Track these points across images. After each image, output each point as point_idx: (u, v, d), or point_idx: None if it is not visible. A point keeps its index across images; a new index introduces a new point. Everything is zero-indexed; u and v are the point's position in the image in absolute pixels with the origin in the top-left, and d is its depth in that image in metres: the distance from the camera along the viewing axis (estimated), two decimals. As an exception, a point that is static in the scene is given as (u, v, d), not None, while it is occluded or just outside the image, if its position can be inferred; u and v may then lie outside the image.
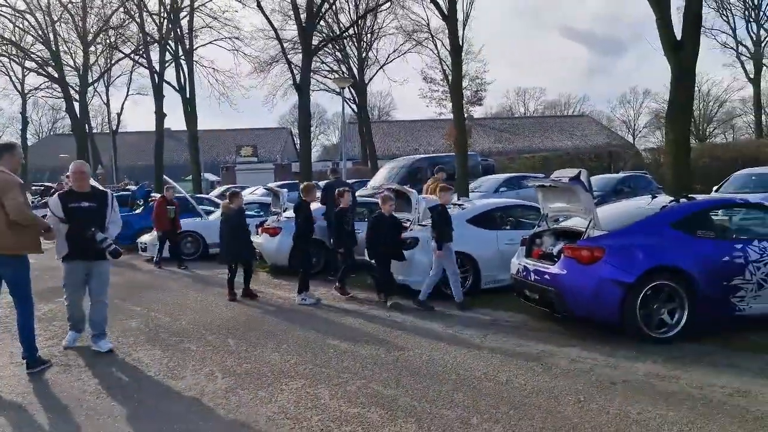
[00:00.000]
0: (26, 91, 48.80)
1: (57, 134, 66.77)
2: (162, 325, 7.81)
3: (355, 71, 41.73)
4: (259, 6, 23.62)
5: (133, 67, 39.42)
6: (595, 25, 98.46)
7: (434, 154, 28.61)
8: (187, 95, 29.20)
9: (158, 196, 14.64)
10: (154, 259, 13.39)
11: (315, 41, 25.72)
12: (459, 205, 9.73)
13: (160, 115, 31.44)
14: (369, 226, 8.93)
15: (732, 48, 51.99)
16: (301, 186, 9.75)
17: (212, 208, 15.86)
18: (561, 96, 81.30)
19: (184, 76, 29.40)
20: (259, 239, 11.76)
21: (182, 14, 29.79)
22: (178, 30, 29.06)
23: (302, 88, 23.75)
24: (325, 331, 7.23)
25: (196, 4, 29.48)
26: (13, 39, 34.59)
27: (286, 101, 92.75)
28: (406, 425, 4.35)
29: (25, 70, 44.74)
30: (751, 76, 51.19)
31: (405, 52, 42.30)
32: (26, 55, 35.59)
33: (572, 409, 4.57)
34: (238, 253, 9.57)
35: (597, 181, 19.95)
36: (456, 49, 15.22)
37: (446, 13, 15.29)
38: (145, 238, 14.36)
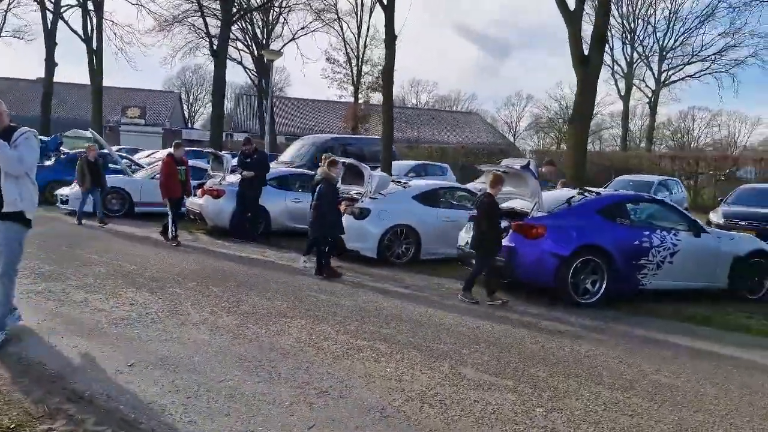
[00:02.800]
0: None
1: None
2: (132, 272, 8.12)
3: (254, 46, 41.42)
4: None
5: (9, 5, 36.15)
6: (489, 27, 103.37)
7: (346, 136, 29.34)
8: (94, 46, 27.67)
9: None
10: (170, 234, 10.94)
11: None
12: (403, 183, 10.75)
13: (50, 64, 29.52)
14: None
15: (608, 66, 57.02)
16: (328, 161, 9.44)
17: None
18: (452, 92, 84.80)
19: (92, 25, 27.81)
20: (200, 201, 12.06)
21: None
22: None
23: (219, 56, 23.59)
24: (300, 283, 7.96)
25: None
26: None
27: (182, 62, 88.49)
28: (410, 354, 5.30)
29: None
30: (622, 93, 56.66)
31: (313, 31, 42.51)
32: None
33: (536, 347, 5.76)
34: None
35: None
36: (391, 38, 16.14)
37: (385, 3, 16.17)
38: (65, 191, 14.00)
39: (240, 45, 43.97)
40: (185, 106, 74.11)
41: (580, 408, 4.31)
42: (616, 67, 56.23)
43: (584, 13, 17.04)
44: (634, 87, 57.06)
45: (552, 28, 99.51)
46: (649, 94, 56.09)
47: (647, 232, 7.95)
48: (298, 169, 14.29)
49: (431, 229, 10.15)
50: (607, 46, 56.46)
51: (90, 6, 27.71)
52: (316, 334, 5.76)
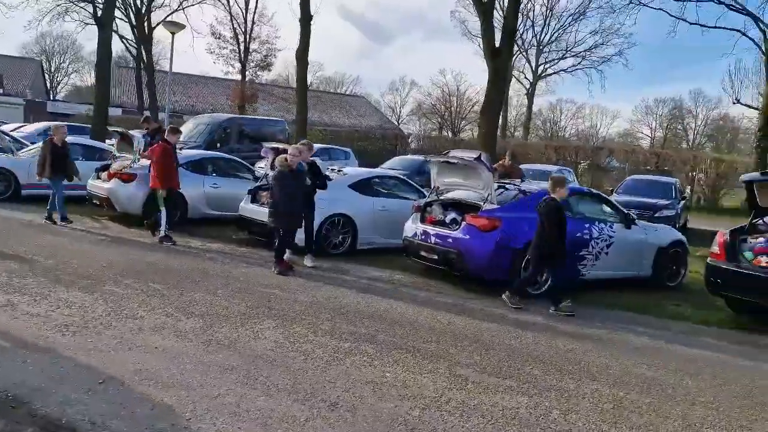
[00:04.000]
0: None
1: None
2: (52, 267, 7.19)
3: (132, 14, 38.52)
4: None
5: None
6: (369, 10, 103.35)
7: (244, 116, 28.06)
8: None
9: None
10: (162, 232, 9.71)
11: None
12: (339, 171, 10.41)
13: None
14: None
15: (490, 56, 59.22)
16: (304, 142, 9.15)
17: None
18: (337, 74, 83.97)
19: None
20: (108, 185, 10.97)
21: None
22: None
23: (104, 24, 21.62)
24: (246, 278, 7.45)
25: None
26: None
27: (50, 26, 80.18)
28: (400, 355, 5.12)
29: None
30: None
31: (199, 2, 40.24)
32: None
33: (516, 343, 5.80)
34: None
35: (402, 162, 22.02)
36: (306, 18, 15.54)
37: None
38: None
39: (117, 12, 40.70)
40: (46, 76, 67.54)
41: (590, 408, 4.36)
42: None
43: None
44: (514, 78, 59.83)
45: (431, 14, 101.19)
46: (527, 86, 59.04)
47: (587, 225, 8.28)
48: (215, 152, 13.46)
49: (368, 219, 9.93)
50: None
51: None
52: (292, 336, 5.39)
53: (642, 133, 74.11)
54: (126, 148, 11.86)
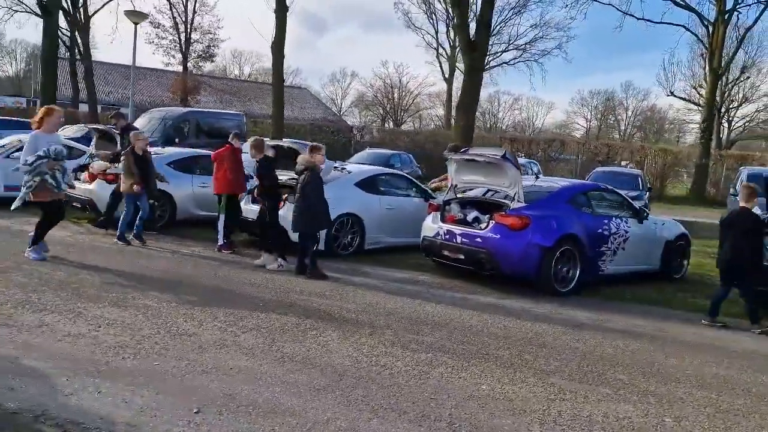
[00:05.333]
0: None
1: None
2: (66, 280, 6.62)
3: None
4: None
5: None
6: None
7: (201, 110, 26.93)
8: None
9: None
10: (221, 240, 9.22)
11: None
12: (344, 169, 10.11)
13: None
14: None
15: (434, 48, 59.62)
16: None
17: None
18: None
19: None
20: (91, 187, 10.25)
21: None
22: None
23: (50, 10, 20.29)
24: (278, 285, 7.10)
25: None
26: None
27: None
28: (482, 365, 4.98)
29: None
30: (447, 75, 59.70)
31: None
32: None
33: (581, 345, 5.75)
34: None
35: (369, 156, 21.81)
36: (282, 8, 15.01)
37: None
38: None
39: None
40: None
41: (696, 413, 4.35)
42: (440, 49, 58.94)
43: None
44: (458, 70, 60.34)
45: (369, 5, 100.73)
46: (472, 78, 59.53)
47: (606, 220, 8.36)
48: (203, 151, 12.82)
49: (375, 218, 9.70)
50: (432, 29, 58.79)
51: None
52: (362, 348, 5.15)
53: (578, 123, 76.55)
54: (106, 146, 11.14)
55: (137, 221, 9.24)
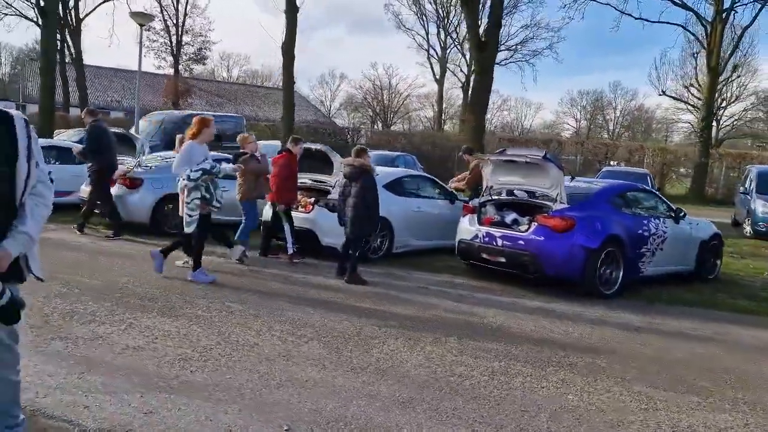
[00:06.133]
0: None
1: None
2: (106, 288, 6.36)
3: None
4: None
5: None
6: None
7: (201, 112, 26.41)
8: None
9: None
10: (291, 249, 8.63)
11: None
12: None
13: None
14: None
15: (425, 50, 59.57)
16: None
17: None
18: (264, 67, 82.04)
19: None
20: (111, 191, 9.96)
21: None
22: None
23: (48, 13, 19.88)
24: (319, 290, 6.90)
25: None
26: None
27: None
28: (561, 374, 4.81)
29: None
30: (438, 76, 59.73)
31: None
32: None
33: (650, 351, 5.61)
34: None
35: (373, 157, 21.59)
36: (292, 7, 14.78)
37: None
38: None
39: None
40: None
41: (792, 418, 4.21)
42: (431, 51, 58.88)
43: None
44: (449, 71, 60.37)
45: (356, 7, 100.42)
46: (463, 79, 59.56)
47: (645, 221, 8.24)
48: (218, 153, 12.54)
49: (403, 220, 9.51)
50: (423, 30, 58.68)
51: None
52: (432, 357, 4.97)
53: (568, 124, 76.89)
54: (125, 151, 10.86)
55: (241, 232, 8.60)
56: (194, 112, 25.02)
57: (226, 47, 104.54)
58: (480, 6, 17.26)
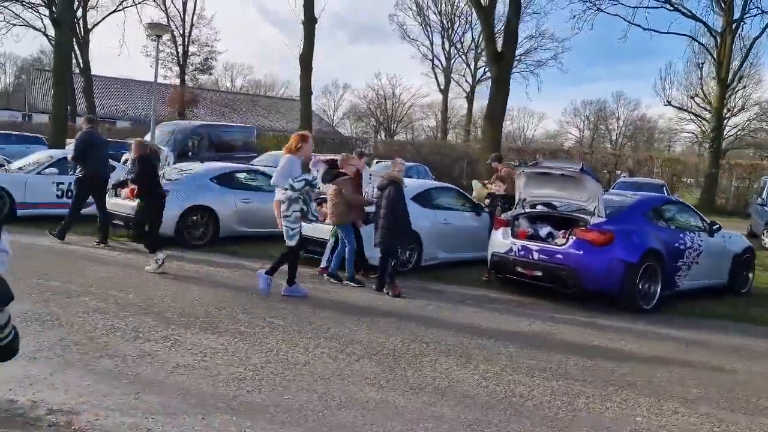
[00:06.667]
0: None
1: None
2: (144, 304, 6.24)
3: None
4: None
5: None
6: (281, 7, 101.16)
7: (214, 123, 26.36)
8: None
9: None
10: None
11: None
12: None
13: None
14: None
15: (429, 60, 59.67)
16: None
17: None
18: (267, 76, 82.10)
19: None
20: (132, 203, 9.83)
21: None
22: None
23: (61, 23, 19.89)
24: (364, 304, 6.79)
25: None
26: None
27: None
28: (623, 394, 4.69)
29: None
30: (442, 87, 59.84)
31: (139, 3, 37.91)
32: None
33: (679, 362, 5.47)
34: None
35: (386, 167, 21.54)
36: (310, 19, 14.74)
37: (306, -19, 14.72)
38: None
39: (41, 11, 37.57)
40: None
41: None
42: (436, 61, 58.99)
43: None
44: (453, 81, 60.46)
45: (352, 16, 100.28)
46: (468, 89, 59.66)
47: (681, 234, 8.14)
48: (245, 165, 12.51)
49: (432, 233, 9.40)
50: (427, 41, 58.87)
51: None
52: (487, 375, 4.86)
53: (571, 133, 76.89)
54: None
55: (337, 256, 8.18)
56: (207, 122, 25.02)
57: (229, 57, 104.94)
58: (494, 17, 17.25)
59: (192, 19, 45.89)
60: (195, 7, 45.95)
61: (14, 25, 33.88)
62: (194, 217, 10.07)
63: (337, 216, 8.02)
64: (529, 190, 8.29)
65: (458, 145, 42.46)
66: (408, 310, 6.85)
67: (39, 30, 35.08)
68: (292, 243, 6.92)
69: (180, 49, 45.99)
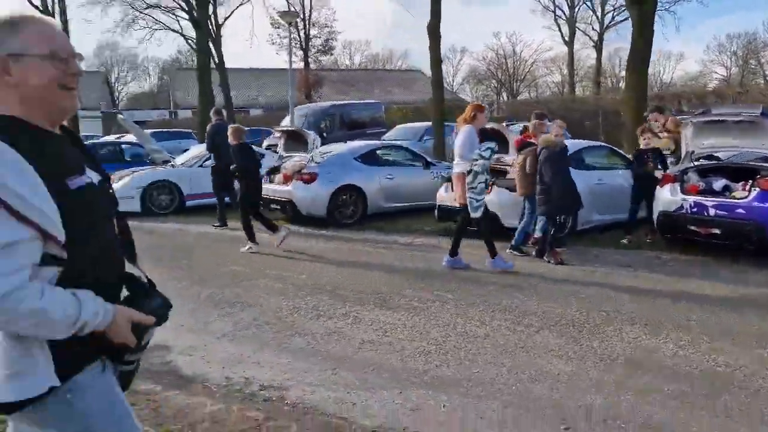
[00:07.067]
0: None
1: None
2: (317, 283, 6.55)
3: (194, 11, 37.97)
4: None
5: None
6: None
7: (344, 102, 27.02)
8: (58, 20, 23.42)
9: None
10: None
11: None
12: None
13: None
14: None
15: (551, 11, 56.80)
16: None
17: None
18: (384, 50, 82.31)
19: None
20: (288, 187, 10.35)
21: None
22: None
23: (200, 24, 21.14)
24: (533, 274, 6.69)
25: None
26: None
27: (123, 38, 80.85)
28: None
29: None
30: (566, 38, 56.80)
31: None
32: None
33: None
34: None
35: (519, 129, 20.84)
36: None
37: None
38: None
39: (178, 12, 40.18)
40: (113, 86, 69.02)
41: None
42: (558, 11, 56.15)
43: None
44: (578, 30, 57.23)
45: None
46: (595, 38, 56.27)
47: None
48: (387, 141, 12.76)
49: (586, 195, 8.96)
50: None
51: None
52: (679, 343, 4.57)
53: (716, 72, 70.02)
54: (294, 147, 11.28)
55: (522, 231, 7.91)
56: (336, 102, 25.68)
57: (346, 35, 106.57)
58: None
59: (311, 2, 47.03)
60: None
61: (156, 29, 36.63)
62: (343, 197, 10.37)
63: (525, 187, 7.74)
64: (698, 141, 7.65)
65: (589, 97, 40.21)
66: (575, 278, 6.62)
67: (176, 32, 37.70)
68: (477, 214, 6.79)
69: (302, 33, 47.31)
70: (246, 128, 9.96)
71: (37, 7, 23.53)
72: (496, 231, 7.54)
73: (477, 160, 6.62)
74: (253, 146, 9.33)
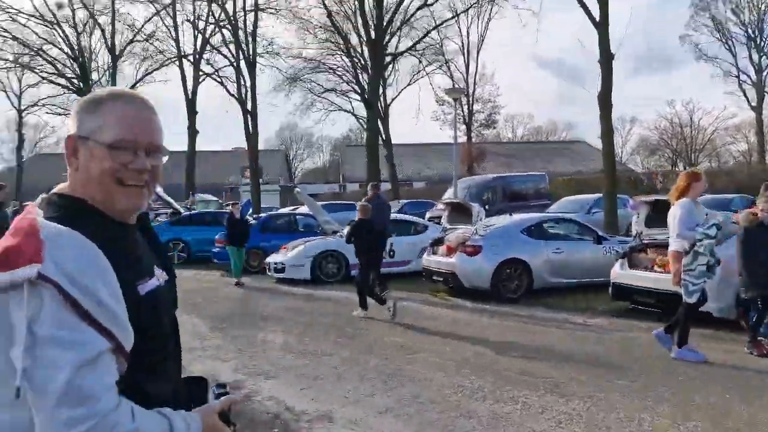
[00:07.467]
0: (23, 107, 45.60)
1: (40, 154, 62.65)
2: (480, 363, 6.25)
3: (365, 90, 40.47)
4: (329, 16, 22.21)
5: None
6: (562, 55, 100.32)
7: (506, 175, 26.97)
8: (248, 107, 25.10)
9: None
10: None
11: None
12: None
13: (193, 132, 29.56)
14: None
15: (735, 76, 52.80)
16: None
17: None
18: (548, 122, 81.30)
19: (245, 84, 25.69)
20: (452, 260, 10.26)
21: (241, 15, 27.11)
22: (240, 33, 26.19)
23: (372, 104, 22.42)
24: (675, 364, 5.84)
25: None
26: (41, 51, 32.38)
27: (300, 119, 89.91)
28: None
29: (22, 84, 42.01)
30: (753, 103, 52.15)
31: (428, 73, 41.19)
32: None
33: None
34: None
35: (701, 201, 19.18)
36: (607, 57, 14.13)
37: (598, 20, 14.25)
38: (278, 258, 12.65)
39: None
40: (291, 162, 75.55)
41: None
42: (743, 76, 52.05)
43: None
44: (767, 95, 52.41)
45: (630, 47, 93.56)
46: (785, 101, 51.05)
47: None
48: (554, 213, 12.39)
49: None
50: (729, 56, 52.26)
51: (243, 65, 25.87)
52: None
53: None
54: (458, 219, 11.26)
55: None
56: (499, 174, 25.62)
57: (509, 109, 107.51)
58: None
59: (475, 79, 48.19)
60: (477, 67, 48.24)
61: (331, 111, 39.67)
62: (508, 270, 10.04)
63: None
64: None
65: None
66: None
67: (349, 112, 40.57)
68: (692, 300, 6.01)
69: (466, 108, 48.40)
70: (404, 201, 10.25)
71: (232, 95, 26.45)
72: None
73: (701, 240, 5.87)
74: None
